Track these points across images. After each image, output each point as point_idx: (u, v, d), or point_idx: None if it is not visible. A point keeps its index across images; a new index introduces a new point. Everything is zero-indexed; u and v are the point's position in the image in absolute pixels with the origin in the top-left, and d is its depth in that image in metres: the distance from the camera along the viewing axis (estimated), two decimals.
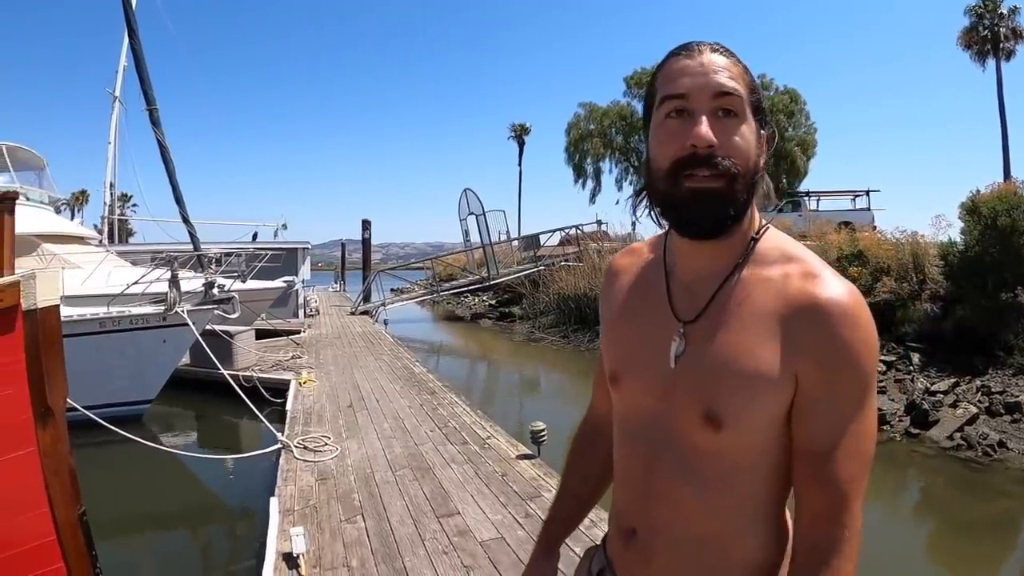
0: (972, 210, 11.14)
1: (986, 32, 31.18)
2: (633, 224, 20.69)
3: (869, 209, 22.59)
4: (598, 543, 1.32)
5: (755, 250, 1.04)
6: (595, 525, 3.94)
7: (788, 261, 1.02)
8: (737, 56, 1.01)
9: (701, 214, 0.98)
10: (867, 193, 23.36)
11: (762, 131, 1.01)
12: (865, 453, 0.96)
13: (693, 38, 1.03)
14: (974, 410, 8.81)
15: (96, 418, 6.01)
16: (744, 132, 0.97)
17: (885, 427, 9.17)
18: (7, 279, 2.12)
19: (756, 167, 0.99)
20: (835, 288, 0.97)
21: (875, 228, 18.05)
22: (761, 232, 1.06)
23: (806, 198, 24.81)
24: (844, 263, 12.55)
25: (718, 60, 0.99)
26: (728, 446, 1.00)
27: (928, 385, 9.74)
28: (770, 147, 1.03)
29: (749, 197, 1.00)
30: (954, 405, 9.11)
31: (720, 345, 1.01)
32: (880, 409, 9.40)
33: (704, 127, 0.95)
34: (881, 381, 10.19)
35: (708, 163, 0.95)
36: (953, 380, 9.72)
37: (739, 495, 1.03)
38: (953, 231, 12.09)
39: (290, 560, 3.93)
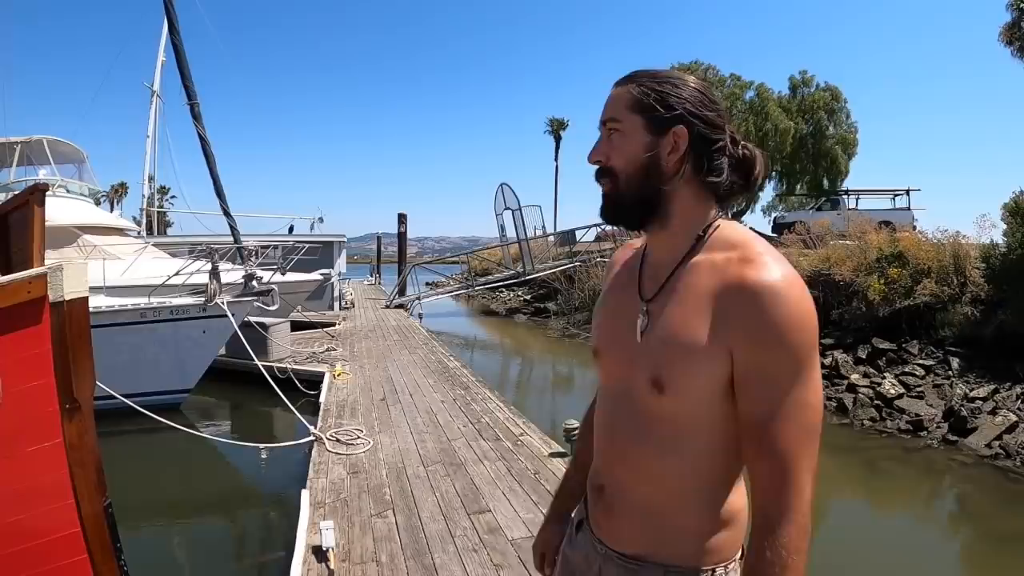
0: (1015, 211, 10.82)
1: None
2: None
3: (909, 208, 22.19)
4: None
5: (705, 240, 1.18)
6: None
7: (732, 247, 1.15)
8: (638, 79, 1.20)
9: (603, 210, 1.25)
10: (907, 192, 22.94)
11: (662, 131, 1.17)
12: (806, 425, 1.05)
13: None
14: (1014, 418, 8.51)
15: (136, 406, 6.10)
16: (623, 141, 1.19)
17: (923, 433, 8.97)
18: (33, 271, 2.12)
19: (642, 164, 1.18)
20: (766, 270, 1.07)
21: (915, 228, 17.71)
22: (712, 224, 1.20)
23: (845, 197, 24.43)
24: (884, 263, 12.29)
25: (612, 94, 1.22)
26: (671, 411, 1.14)
27: (967, 391, 9.45)
28: (695, 137, 1.17)
29: (648, 187, 1.18)
30: (993, 412, 8.81)
31: (668, 320, 1.16)
32: (917, 415, 9.24)
33: (593, 148, 1.24)
34: (919, 386, 10.01)
35: (600, 172, 1.23)
36: (993, 387, 9.39)
37: (687, 462, 1.16)
38: (996, 232, 11.78)
39: (319, 553, 3.92)
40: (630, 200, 1.20)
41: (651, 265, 1.27)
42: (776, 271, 1.07)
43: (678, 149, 1.16)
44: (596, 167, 1.23)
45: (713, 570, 1.18)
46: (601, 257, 22.17)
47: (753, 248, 1.13)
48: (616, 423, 1.26)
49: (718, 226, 1.20)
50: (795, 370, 1.04)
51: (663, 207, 1.19)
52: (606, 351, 1.31)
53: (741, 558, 1.20)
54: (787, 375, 1.04)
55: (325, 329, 15.43)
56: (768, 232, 24.87)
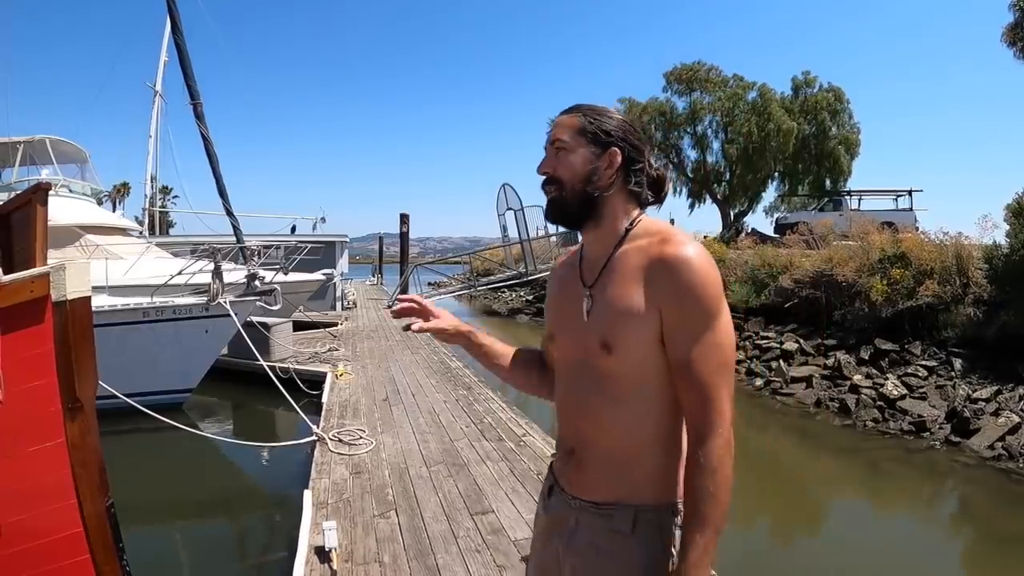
0: (1018, 212, 10.78)
1: None
2: (671, 221, 20.56)
3: (912, 209, 22.20)
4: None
5: (631, 232, 1.49)
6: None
7: (651, 235, 1.46)
8: (581, 110, 1.51)
9: (549, 212, 1.56)
10: (909, 193, 22.94)
11: (602, 151, 1.47)
12: (719, 360, 1.35)
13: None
14: (1016, 419, 8.47)
15: (138, 406, 6.10)
16: (569, 160, 1.48)
17: (925, 434, 8.94)
18: (36, 270, 2.11)
19: (584, 176, 1.48)
20: (679, 247, 1.37)
21: (918, 229, 17.69)
22: (636, 220, 1.51)
23: (847, 197, 24.41)
24: (886, 264, 12.25)
25: (558, 121, 1.53)
26: (619, 368, 1.41)
27: (970, 392, 9.42)
28: (626, 159, 1.49)
29: (588, 195, 1.48)
30: (996, 413, 8.77)
31: (609, 295, 1.45)
32: (920, 416, 9.23)
33: (542, 162, 1.53)
34: (922, 387, 10.00)
35: (547, 182, 1.52)
36: (995, 388, 9.36)
37: (639, 412, 1.42)
38: (999, 233, 11.73)
39: (322, 554, 3.91)
40: (574, 205, 1.50)
41: (588, 259, 1.58)
42: (689, 248, 1.37)
43: (612, 166, 1.48)
44: (544, 177, 1.53)
45: (675, 505, 1.43)
46: None
47: (670, 232, 1.44)
48: (577, 390, 1.51)
49: (640, 221, 1.51)
50: (706, 319, 1.34)
51: (598, 210, 1.50)
52: (559, 333, 1.60)
53: None
54: (701, 323, 1.34)
55: (327, 329, 15.45)
56: (770, 232, 24.85)
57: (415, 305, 1.77)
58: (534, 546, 1.70)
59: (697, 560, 1.30)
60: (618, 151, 1.48)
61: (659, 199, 1.58)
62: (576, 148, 1.48)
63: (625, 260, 1.45)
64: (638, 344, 1.39)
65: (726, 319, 1.38)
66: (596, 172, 1.48)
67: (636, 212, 1.53)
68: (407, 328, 1.75)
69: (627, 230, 1.50)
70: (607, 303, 1.44)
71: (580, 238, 1.64)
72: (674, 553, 1.40)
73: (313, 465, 5.75)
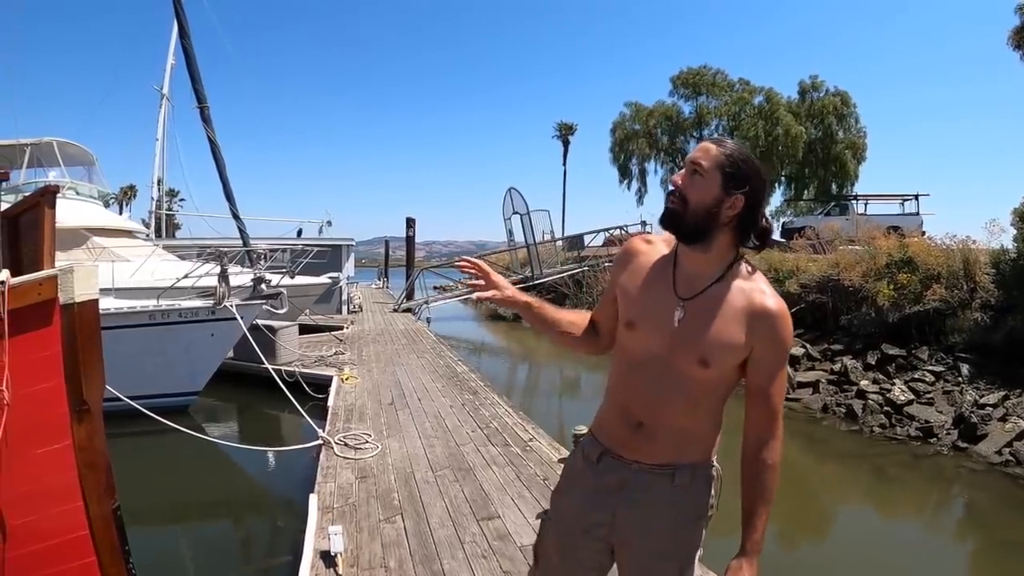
0: None
1: None
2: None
3: (918, 214, 22.19)
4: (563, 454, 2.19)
5: (732, 268, 1.75)
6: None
7: (752, 281, 1.74)
8: (729, 148, 1.70)
9: (665, 218, 1.75)
10: (916, 197, 22.93)
11: (729, 193, 1.66)
12: (783, 388, 1.79)
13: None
14: None
15: (143, 409, 6.09)
16: (701, 185, 1.68)
17: (932, 440, 8.92)
18: (44, 273, 2.12)
19: (708, 208, 1.67)
20: (776, 300, 1.72)
21: (924, 233, 17.63)
22: (739, 260, 1.76)
23: (854, 202, 24.39)
24: (893, 269, 12.18)
25: (706, 147, 1.71)
26: (708, 378, 1.73)
27: (977, 397, 9.37)
28: (746, 208, 1.68)
29: (705, 224, 1.68)
30: (1003, 419, 8.73)
31: (711, 321, 1.71)
32: (927, 421, 9.25)
33: (678, 176, 1.74)
34: (929, 392, 9.99)
35: (673, 194, 1.74)
36: (1003, 393, 9.29)
37: (707, 404, 1.79)
38: (1006, 237, 11.66)
39: (328, 558, 3.90)
40: (690, 226, 1.70)
41: (684, 273, 1.78)
42: (780, 301, 1.72)
43: (734, 208, 1.68)
44: (673, 188, 1.75)
45: (711, 462, 1.86)
46: (609, 262, 22.14)
47: (762, 284, 1.75)
48: (657, 384, 1.77)
49: (741, 260, 1.77)
50: (783, 359, 1.76)
51: (709, 239, 1.71)
52: (643, 326, 1.81)
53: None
54: (780, 362, 1.75)
55: (333, 333, 15.43)
56: (777, 237, 24.84)
57: (478, 272, 1.99)
58: (572, 508, 1.96)
59: (764, 528, 1.74)
60: (743, 199, 1.67)
61: (761, 247, 1.80)
62: (710, 180, 1.67)
63: (727, 295, 1.72)
64: (729, 366, 1.73)
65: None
66: (718, 209, 1.67)
67: (738, 250, 1.76)
68: (477, 298, 1.99)
69: (729, 265, 1.75)
70: (708, 330, 1.71)
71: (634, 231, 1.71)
72: (714, 492, 1.85)
73: (319, 469, 5.73)
